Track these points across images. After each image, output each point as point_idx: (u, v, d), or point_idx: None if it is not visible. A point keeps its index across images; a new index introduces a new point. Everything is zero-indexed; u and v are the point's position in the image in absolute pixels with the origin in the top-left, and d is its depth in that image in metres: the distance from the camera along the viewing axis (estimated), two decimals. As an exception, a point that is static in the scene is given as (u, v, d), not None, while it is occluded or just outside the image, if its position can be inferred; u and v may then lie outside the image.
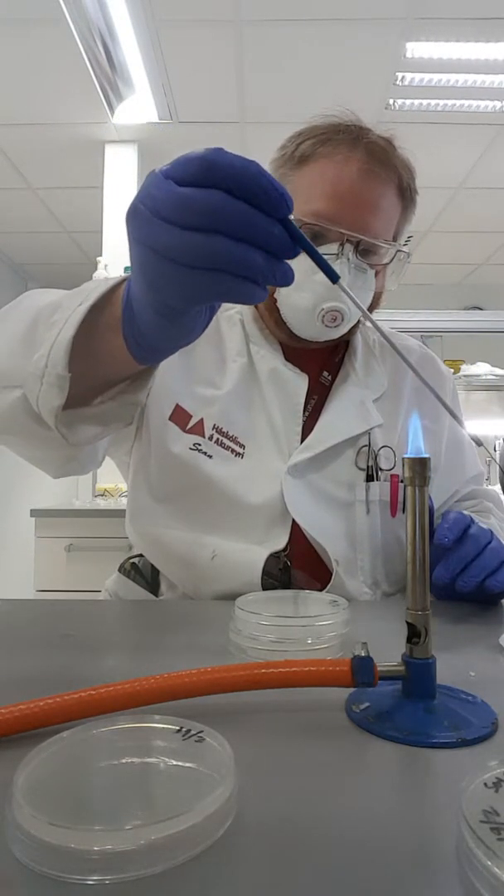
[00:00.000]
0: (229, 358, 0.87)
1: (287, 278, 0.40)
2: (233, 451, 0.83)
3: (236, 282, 0.40)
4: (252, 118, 2.92)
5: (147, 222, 0.39)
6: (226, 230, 0.37)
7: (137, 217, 0.40)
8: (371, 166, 0.78)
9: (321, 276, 0.77)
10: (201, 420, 0.83)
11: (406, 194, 0.83)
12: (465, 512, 0.80)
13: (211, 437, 0.82)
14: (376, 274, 0.83)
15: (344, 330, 0.83)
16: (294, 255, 0.39)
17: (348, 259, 0.78)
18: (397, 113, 2.84)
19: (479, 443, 0.55)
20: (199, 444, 0.82)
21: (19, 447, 0.69)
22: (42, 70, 2.58)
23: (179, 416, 0.83)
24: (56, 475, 0.74)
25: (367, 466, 0.85)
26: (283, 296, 0.82)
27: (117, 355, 0.52)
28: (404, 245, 0.84)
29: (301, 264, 0.82)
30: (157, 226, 0.39)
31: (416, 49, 2.46)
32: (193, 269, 0.39)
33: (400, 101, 2.79)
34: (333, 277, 0.42)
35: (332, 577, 0.80)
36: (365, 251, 0.80)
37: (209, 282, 0.40)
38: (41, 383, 0.55)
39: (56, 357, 0.54)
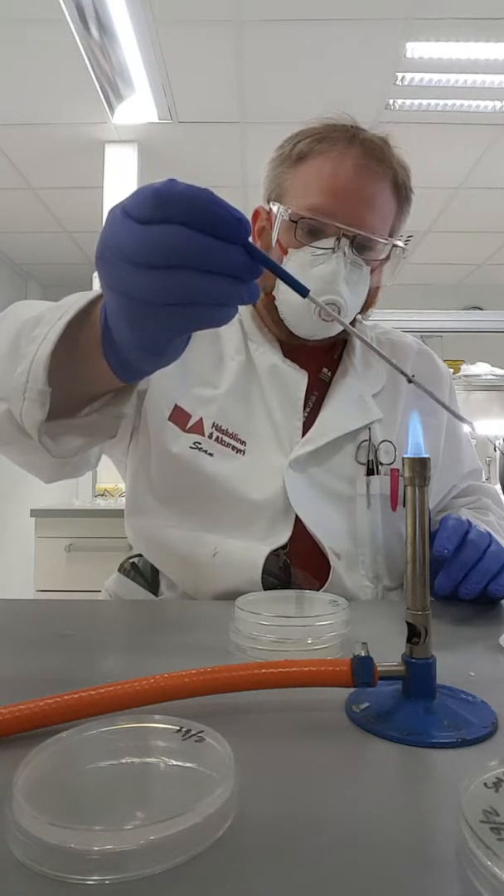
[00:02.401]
0: (227, 356, 0.88)
1: (254, 296, 0.41)
2: (234, 448, 0.83)
3: (210, 310, 0.41)
4: (252, 118, 2.92)
5: (114, 267, 0.40)
6: (191, 264, 0.38)
7: (103, 262, 0.41)
8: (367, 162, 0.79)
9: (317, 271, 0.78)
10: (200, 419, 0.83)
11: (401, 192, 0.84)
12: (464, 514, 0.80)
13: (211, 436, 0.82)
14: (372, 271, 0.83)
15: (340, 326, 0.83)
16: (258, 275, 0.40)
17: (344, 254, 0.78)
18: (397, 113, 2.84)
19: (459, 416, 0.54)
20: (200, 443, 0.82)
21: (12, 454, 0.70)
22: (42, 70, 2.58)
23: (179, 416, 0.83)
24: (49, 480, 0.75)
25: (368, 461, 0.86)
26: (281, 293, 0.82)
27: (100, 372, 0.52)
28: (405, 242, 0.84)
29: (296, 259, 0.82)
30: (124, 269, 0.39)
31: (416, 49, 2.46)
32: (166, 306, 0.40)
33: (400, 101, 2.79)
34: (303, 292, 0.42)
35: (331, 571, 0.80)
36: (361, 247, 0.80)
37: (183, 315, 0.41)
38: (23, 398, 0.56)
39: (36, 373, 0.55)
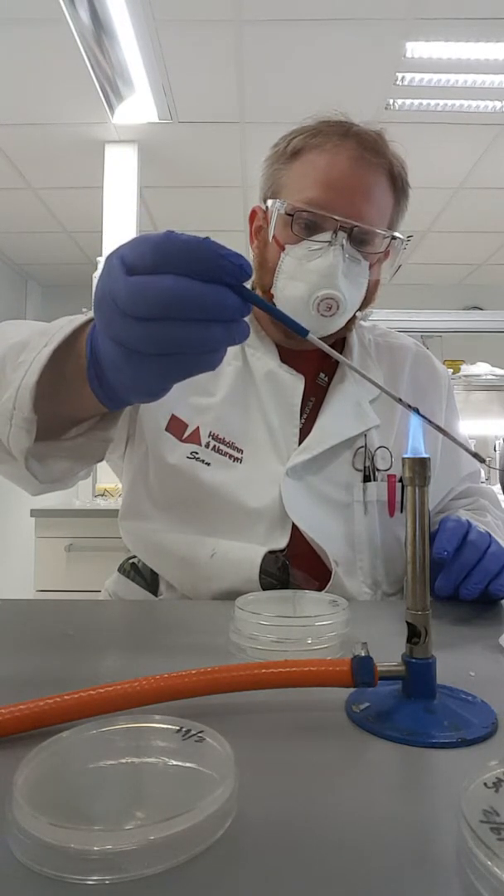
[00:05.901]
0: (224, 362, 0.87)
1: (244, 335, 0.42)
2: (231, 456, 0.82)
3: (201, 358, 0.42)
4: (252, 118, 2.92)
5: (108, 316, 0.41)
6: (180, 314, 0.39)
7: (99, 310, 0.42)
8: (361, 153, 0.79)
9: (314, 265, 0.78)
10: (197, 428, 0.83)
11: (398, 183, 0.83)
12: (463, 516, 0.80)
13: (208, 445, 0.82)
14: (371, 265, 0.82)
15: (340, 322, 0.82)
16: (248, 313, 0.41)
17: (342, 247, 0.78)
18: (397, 113, 2.84)
19: (479, 457, 0.55)
20: (197, 453, 0.82)
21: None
22: (42, 70, 2.58)
23: (175, 426, 0.83)
24: (35, 493, 0.74)
25: (364, 467, 0.85)
26: (279, 290, 0.82)
27: (86, 399, 0.53)
28: (407, 240, 0.84)
29: (294, 253, 0.82)
30: (117, 319, 0.40)
31: (416, 49, 2.46)
32: (158, 356, 0.41)
33: (400, 101, 2.79)
34: (302, 332, 0.44)
35: (332, 577, 0.80)
36: (359, 240, 0.80)
37: (175, 364, 0.42)
38: (10, 425, 0.56)
39: (22, 401, 0.55)
